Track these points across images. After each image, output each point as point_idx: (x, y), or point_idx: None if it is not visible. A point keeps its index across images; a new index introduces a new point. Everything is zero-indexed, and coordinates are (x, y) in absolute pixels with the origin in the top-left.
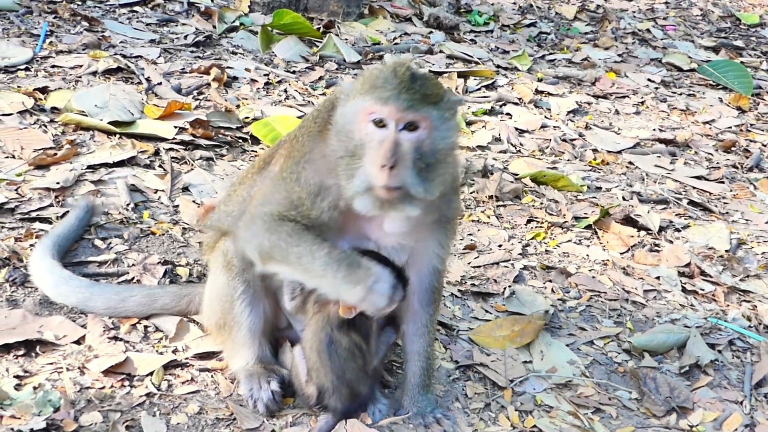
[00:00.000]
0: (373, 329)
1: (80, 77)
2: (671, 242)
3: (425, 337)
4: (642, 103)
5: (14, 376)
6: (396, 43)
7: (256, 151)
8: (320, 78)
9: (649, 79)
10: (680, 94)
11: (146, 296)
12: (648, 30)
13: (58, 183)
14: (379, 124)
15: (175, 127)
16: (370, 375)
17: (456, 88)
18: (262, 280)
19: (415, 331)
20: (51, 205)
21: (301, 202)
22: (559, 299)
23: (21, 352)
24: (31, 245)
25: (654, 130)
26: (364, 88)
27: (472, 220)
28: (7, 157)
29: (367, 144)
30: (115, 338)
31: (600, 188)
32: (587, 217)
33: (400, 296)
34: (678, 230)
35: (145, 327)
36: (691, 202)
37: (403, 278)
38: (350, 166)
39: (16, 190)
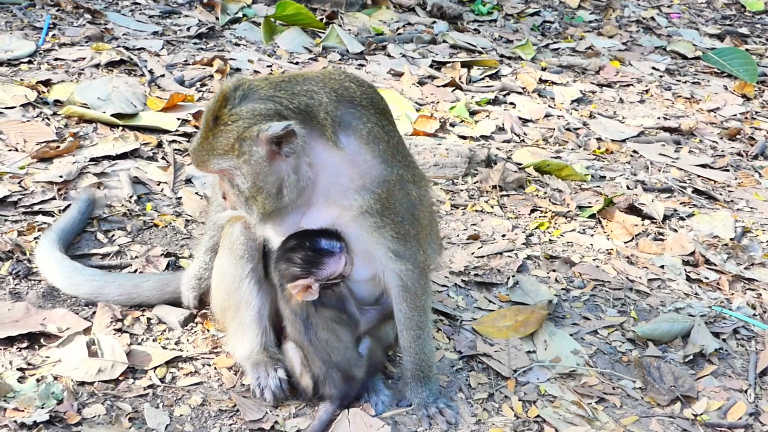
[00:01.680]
0: (347, 296)
1: (83, 70)
2: (675, 231)
3: (409, 331)
4: (646, 91)
5: (17, 369)
6: (399, 33)
7: None
8: (324, 69)
9: (653, 68)
10: (685, 82)
11: (158, 281)
12: (652, 18)
13: (61, 176)
14: None
15: (178, 119)
16: (365, 355)
17: (460, 78)
18: (265, 267)
19: (400, 327)
20: (53, 198)
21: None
22: (563, 289)
23: (24, 345)
24: (35, 238)
25: (658, 118)
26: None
27: (476, 210)
28: (10, 150)
29: None
30: (120, 330)
31: (604, 177)
32: (591, 207)
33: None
34: (682, 219)
35: (149, 319)
36: (696, 191)
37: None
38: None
39: (19, 183)
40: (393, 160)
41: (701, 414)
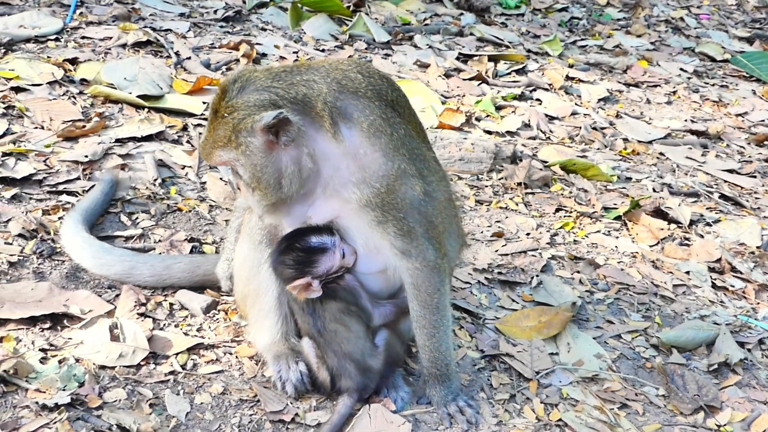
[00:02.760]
0: (357, 289)
1: (110, 49)
2: (702, 236)
3: (422, 329)
4: (674, 92)
5: (39, 350)
6: (426, 24)
7: None
8: (349, 57)
9: (681, 69)
10: (713, 85)
11: (189, 263)
12: (681, 18)
13: (86, 156)
14: None
15: (204, 102)
16: (382, 346)
17: (486, 72)
18: None
19: (414, 324)
20: (78, 178)
21: None
22: (586, 291)
23: (47, 326)
24: (60, 218)
25: (685, 120)
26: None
27: (500, 207)
28: (36, 128)
29: None
30: (143, 315)
31: (630, 179)
32: (617, 208)
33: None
34: (709, 224)
35: (171, 305)
36: (723, 196)
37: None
38: None
39: (44, 161)
40: (395, 154)
41: (725, 425)
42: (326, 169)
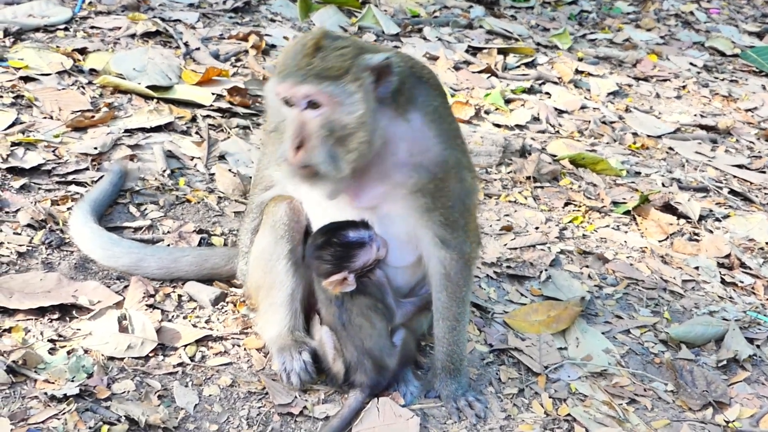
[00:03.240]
0: (384, 285)
1: (119, 39)
2: (711, 232)
3: (445, 321)
4: (683, 87)
5: (48, 340)
6: (435, 16)
7: None
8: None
9: (691, 63)
10: (722, 80)
11: (198, 256)
12: (691, 12)
13: (96, 148)
14: (288, 102)
15: (213, 93)
16: (399, 345)
17: (495, 65)
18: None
19: (436, 316)
20: (87, 169)
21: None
22: (595, 285)
23: (56, 316)
24: (69, 209)
25: (695, 115)
26: (276, 66)
27: (509, 201)
28: (45, 118)
29: (284, 121)
30: (152, 306)
31: (639, 173)
32: (626, 203)
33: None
34: (718, 220)
35: (180, 297)
36: (732, 192)
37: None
38: (277, 139)
39: (53, 151)
40: (453, 143)
41: (733, 421)
42: (389, 146)
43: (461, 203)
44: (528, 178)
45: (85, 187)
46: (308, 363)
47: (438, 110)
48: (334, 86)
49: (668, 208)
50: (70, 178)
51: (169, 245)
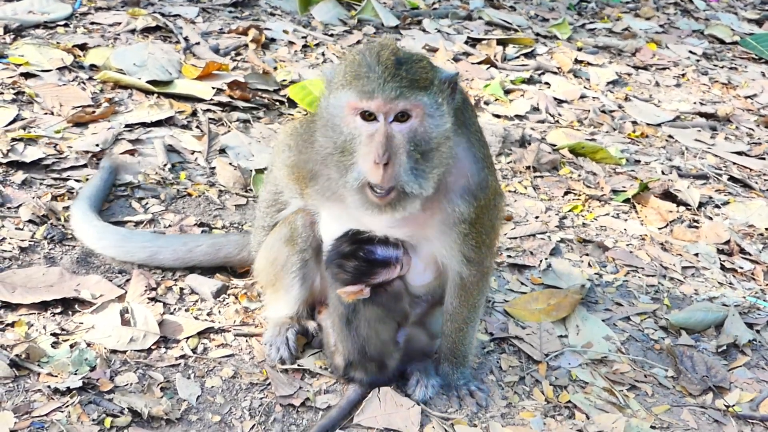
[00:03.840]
0: (402, 294)
1: (119, 35)
2: (711, 219)
3: (453, 323)
4: (683, 75)
5: (51, 334)
6: (434, 8)
7: (292, 115)
8: (358, 42)
9: (690, 51)
10: (722, 67)
11: (211, 245)
12: (690, 0)
13: (97, 145)
14: (368, 117)
15: (213, 87)
16: (402, 344)
17: (495, 56)
18: (317, 254)
19: (445, 316)
20: (85, 166)
21: (297, 177)
22: (595, 273)
23: (58, 310)
24: (66, 207)
25: (695, 103)
26: (347, 79)
27: (509, 191)
28: (45, 114)
29: (356, 139)
30: (153, 299)
31: (639, 161)
32: (626, 191)
33: (400, 260)
34: (718, 206)
35: (181, 289)
36: (732, 178)
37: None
38: (342, 161)
39: (54, 147)
40: (492, 169)
41: (733, 405)
42: (450, 167)
43: (491, 226)
44: (528, 167)
45: (79, 183)
46: (290, 339)
47: (479, 131)
48: (426, 97)
49: (668, 195)
50: (65, 174)
51: (182, 233)
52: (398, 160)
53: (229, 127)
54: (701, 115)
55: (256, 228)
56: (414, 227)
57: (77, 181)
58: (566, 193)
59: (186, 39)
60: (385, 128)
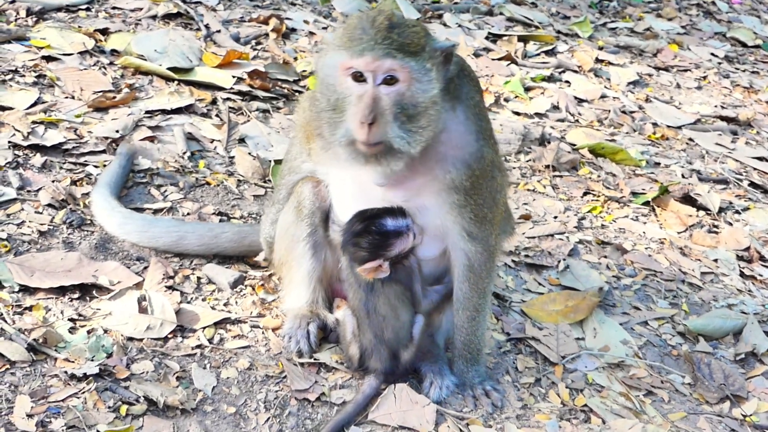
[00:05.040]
0: (416, 272)
1: (140, 20)
2: (731, 224)
3: (465, 311)
4: (704, 77)
5: (69, 319)
6: (456, 3)
7: None
8: None
9: (712, 54)
10: (743, 71)
11: (237, 233)
12: (713, 2)
13: (117, 131)
14: (358, 78)
15: (233, 76)
16: (416, 338)
17: (515, 52)
18: (325, 223)
19: (457, 306)
20: (104, 151)
21: (306, 135)
22: (613, 276)
23: (76, 296)
24: (85, 194)
25: (716, 106)
26: (341, 40)
27: (528, 189)
28: (66, 98)
29: (347, 98)
30: (171, 288)
31: (659, 164)
32: (645, 194)
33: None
34: (738, 212)
35: (199, 278)
36: (752, 184)
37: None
38: (333, 119)
39: (74, 131)
40: (490, 140)
41: (750, 415)
42: (439, 136)
43: (491, 200)
44: (547, 166)
45: (98, 168)
46: (312, 333)
47: (479, 105)
48: (414, 62)
49: (688, 199)
50: (83, 159)
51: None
52: (384, 120)
53: (249, 116)
54: (722, 118)
55: (269, 204)
56: (411, 192)
57: (95, 166)
58: (585, 194)
59: (207, 27)
60: (372, 90)
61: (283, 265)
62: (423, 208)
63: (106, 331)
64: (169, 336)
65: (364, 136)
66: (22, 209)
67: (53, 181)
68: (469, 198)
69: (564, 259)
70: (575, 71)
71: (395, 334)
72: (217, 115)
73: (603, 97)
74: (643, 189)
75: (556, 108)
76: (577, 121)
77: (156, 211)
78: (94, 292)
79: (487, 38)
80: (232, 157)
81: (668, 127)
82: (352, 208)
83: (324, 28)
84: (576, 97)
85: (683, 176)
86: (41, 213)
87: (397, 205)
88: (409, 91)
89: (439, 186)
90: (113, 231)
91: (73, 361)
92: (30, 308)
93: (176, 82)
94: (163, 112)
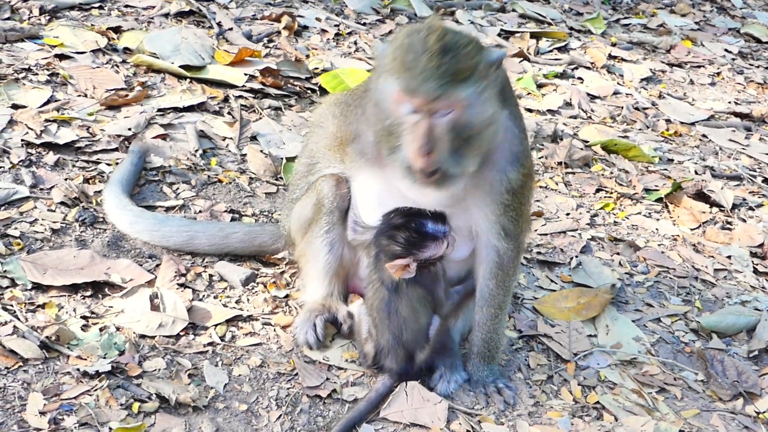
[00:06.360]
0: (440, 277)
1: (152, 18)
2: (744, 221)
3: (489, 308)
4: (718, 74)
5: (81, 317)
6: None
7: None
8: (390, 32)
9: (725, 50)
10: (757, 67)
11: (247, 233)
12: None
13: (129, 129)
14: (416, 111)
15: (245, 74)
16: (432, 340)
17: (528, 49)
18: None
19: (480, 303)
20: (117, 149)
21: (339, 141)
22: (626, 273)
23: (88, 293)
24: (98, 192)
25: (729, 102)
26: (394, 65)
27: (540, 186)
28: (79, 96)
29: (402, 125)
30: (183, 285)
31: (672, 160)
32: (658, 190)
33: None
34: (751, 209)
35: (210, 276)
36: (766, 180)
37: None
38: (389, 141)
39: (87, 129)
40: (527, 141)
41: (764, 412)
42: (497, 138)
43: (530, 197)
44: (559, 163)
45: (111, 166)
46: (318, 326)
47: (518, 108)
48: (467, 88)
49: (701, 196)
50: (96, 157)
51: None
52: (440, 148)
53: (261, 114)
54: (736, 114)
55: (287, 201)
56: (456, 199)
57: (108, 164)
58: (598, 191)
59: (219, 24)
60: (427, 122)
61: (302, 257)
62: (465, 212)
63: (118, 329)
64: (181, 333)
65: (421, 164)
66: (35, 207)
67: (66, 179)
68: (515, 198)
69: (576, 256)
70: (588, 68)
71: (413, 336)
72: (229, 113)
73: (616, 93)
74: (656, 186)
75: (568, 105)
76: (589, 117)
77: (168, 209)
78: (106, 289)
79: (499, 35)
80: (244, 155)
81: (681, 123)
82: (379, 210)
83: (336, 26)
84: (589, 94)
85: (696, 173)
86: (54, 211)
87: (436, 209)
88: (464, 117)
89: (489, 189)
90: (125, 229)
91: (85, 359)
92: (43, 306)
93: (188, 80)
94: (176, 110)
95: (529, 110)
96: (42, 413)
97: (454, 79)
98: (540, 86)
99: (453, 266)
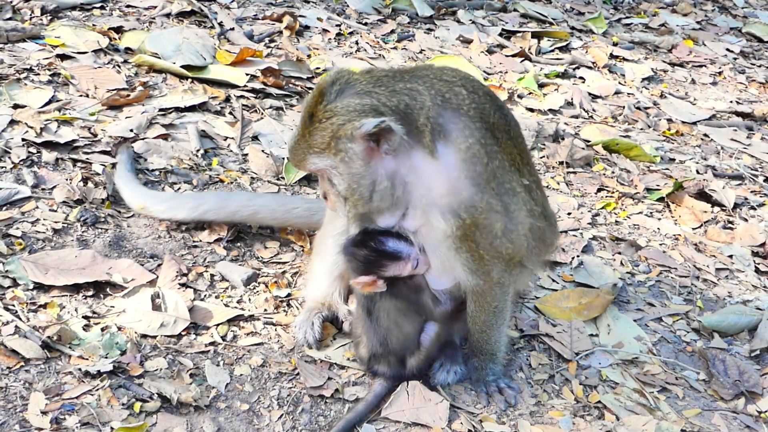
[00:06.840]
0: (423, 287)
1: (154, 18)
2: (746, 220)
3: (474, 326)
4: (719, 73)
5: (83, 317)
6: None
7: None
8: (392, 31)
9: (727, 49)
10: (759, 66)
11: (307, 210)
12: None
13: (131, 129)
14: None
15: (247, 74)
16: (426, 345)
17: (529, 49)
18: None
19: (468, 318)
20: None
21: None
22: (627, 272)
23: (90, 293)
24: (106, 185)
25: (731, 102)
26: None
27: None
28: (81, 96)
29: None
30: (184, 285)
31: (673, 160)
32: (660, 189)
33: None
34: (753, 208)
35: (212, 276)
36: (767, 180)
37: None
38: None
39: (88, 129)
40: (486, 186)
41: (765, 411)
42: (418, 187)
43: (489, 245)
44: (561, 163)
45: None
46: (315, 325)
47: (473, 148)
48: (321, 160)
49: (702, 195)
50: (97, 158)
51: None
52: (331, 198)
53: (262, 114)
54: (737, 114)
55: None
56: (416, 228)
57: (102, 165)
58: (599, 190)
59: (221, 24)
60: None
61: (314, 254)
62: (426, 244)
63: (119, 329)
64: (183, 333)
65: (325, 205)
66: (37, 207)
67: (67, 179)
68: (463, 244)
69: (578, 256)
70: (589, 67)
71: (400, 344)
72: (230, 113)
73: (617, 93)
74: (658, 185)
75: (570, 104)
76: (591, 117)
77: None
78: (107, 289)
79: (500, 35)
80: (246, 155)
81: (683, 122)
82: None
83: (337, 26)
84: (590, 94)
85: (698, 172)
86: (55, 211)
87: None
88: (333, 178)
89: (434, 233)
90: (167, 214)
91: (87, 359)
92: (44, 306)
93: (190, 80)
94: (177, 110)
95: (531, 110)
96: (44, 413)
97: (311, 150)
98: (541, 86)
99: (440, 292)
